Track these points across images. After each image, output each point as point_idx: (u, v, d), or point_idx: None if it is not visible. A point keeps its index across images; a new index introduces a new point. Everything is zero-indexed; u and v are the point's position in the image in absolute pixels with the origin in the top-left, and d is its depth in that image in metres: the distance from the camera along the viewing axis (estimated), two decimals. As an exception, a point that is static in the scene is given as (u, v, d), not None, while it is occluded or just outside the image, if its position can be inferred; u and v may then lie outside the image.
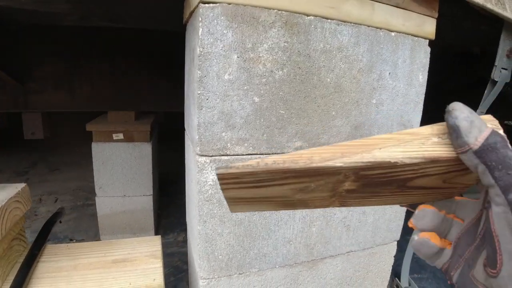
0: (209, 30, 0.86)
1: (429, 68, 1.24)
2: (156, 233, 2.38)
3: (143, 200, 2.26)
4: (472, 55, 2.30)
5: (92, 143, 2.10)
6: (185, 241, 2.38)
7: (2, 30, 2.09)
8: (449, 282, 0.33)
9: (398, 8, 1.13)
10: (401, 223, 1.38)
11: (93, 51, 2.36)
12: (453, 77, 3.06)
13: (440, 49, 1.26)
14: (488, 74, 1.62)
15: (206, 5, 0.85)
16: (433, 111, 1.35)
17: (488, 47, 1.68)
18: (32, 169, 3.54)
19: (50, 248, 1.20)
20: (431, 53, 1.23)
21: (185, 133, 1.30)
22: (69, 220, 2.53)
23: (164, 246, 1.12)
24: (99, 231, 2.26)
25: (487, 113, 1.62)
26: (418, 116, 1.27)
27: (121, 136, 2.08)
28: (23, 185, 1.12)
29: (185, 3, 1.18)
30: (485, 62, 2.12)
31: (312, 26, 0.97)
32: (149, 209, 2.30)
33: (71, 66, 2.37)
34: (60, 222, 1.75)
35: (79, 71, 2.38)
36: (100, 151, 2.11)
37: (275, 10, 0.92)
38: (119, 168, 2.16)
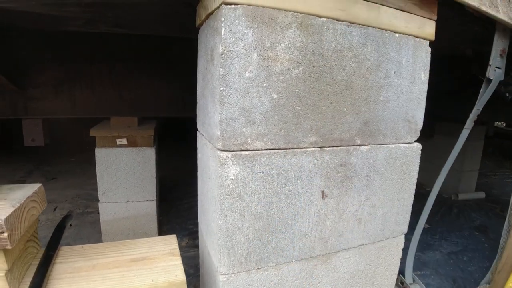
0: (231, 30, 0.90)
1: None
2: (160, 239, 2.37)
3: (146, 205, 2.27)
4: (465, 56, 2.40)
5: (96, 148, 2.10)
6: (189, 246, 2.39)
7: (2, 35, 2.09)
8: None
9: (401, 11, 1.19)
10: (408, 216, 1.43)
11: (93, 57, 2.37)
12: (446, 78, 3.16)
13: (435, 50, 1.32)
14: (481, 74, 1.70)
15: (228, 6, 0.89)
16: (427, 111, 1.42)
17: (481, 48, 1.76)
18: (28, 179, 3.51)
19: (65, 250, 1.21)
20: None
21: (198, 133, 1.33)
22: (70, 228, 2.51)
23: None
24: (102, 237, 2.25)
25: (482, 111, 1.69)
26: (421, 112, 1.33)
27: (124, 141, 2.10)
28: (39, 185, 1.13)
29: (199, 7, 1.22)
30: (477, 63, 2.21)
31: (325, 27, 1.03)
32: (153, 214, 2.30)
33: (71, 72, 2.38)
34: (71, 225, 1.75)
35: (80, 77, 2.38)
36: (103, 157, 2.12)
37: (291, 12, 0.97)
38: (123, 173, 2.16)
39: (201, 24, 1.21)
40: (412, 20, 1.22)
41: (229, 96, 0.93)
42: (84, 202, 2.98)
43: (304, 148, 1.08)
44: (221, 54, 0.91)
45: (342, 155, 1.16)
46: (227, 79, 0.92)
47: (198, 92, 1.32)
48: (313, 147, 1.10)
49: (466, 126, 1.75)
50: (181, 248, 2.38)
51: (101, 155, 2.12)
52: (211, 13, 1.02)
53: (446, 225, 3.06)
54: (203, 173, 1.28)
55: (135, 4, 1.45)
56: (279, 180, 1.06)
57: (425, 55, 1.28)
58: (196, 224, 2.64)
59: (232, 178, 0.99)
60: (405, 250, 1.84)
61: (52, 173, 3.68)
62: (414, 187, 1.41)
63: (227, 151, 0.97)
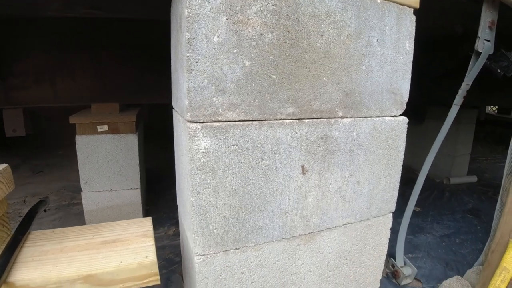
0: (196, -10, 0.83)
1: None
2: (146, 228, 2.32)
3: (130, 193, 2.20)
4: (454, 35, 2.34)
5: (76, 136, 2.03)
6: (175, 234, 2.34)
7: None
8: None
9: (383, -25, 1.13)
10: (396, 193, 1.38)
11: (74, 44, 2.29)
12: (435, 60, 3.11)
13: (422, 31, 1.26)
14: (470, 50, 1.65)
15: (192, -36, 0.83)
16: (416, 98, 1.36)
17: (471, 24, 1.70)
18: (14, 173, 3.39)
19: (35, 234, 1.15)
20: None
21: (173, 111, 1.26)
22: (55, 220, 2.45)
23: (155, 240, 1.09)
24: (86, 228, 2.19)
25: (474, 94, 1.64)
26: (406, 84, 1.27)
27: (105, 127, 2.03)
28: (4, 165, 1.07)
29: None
30: (468, 41, 2.15)
31: (300, -12, 0.96)
32: (138, 202, 2.24)
33: (52, 60, 2.30)
34: (45, 211, 1.68)
35: (61, 65, 2.30)
36: (84, 144, 2.05)
37: (262, -28, 0.90)
38: (105, 161, 2.10)
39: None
40: (395, -14, 1.16)
41: (197, 62, 0.87)
42: (70, 194, 2.91)
43: (281, 119, 1.02)
44: (187, 17, 0.84)
45: (322, 128, 1.10)
46: (194, 44, 0.86)
47: (171, 67, 1.25)
48: (291, 119, 1.04)
49: (455, 102, 1.70)
50: (167, 236, 2.34)
51: (82, 143, 2.05)
52: (178, -24, 0.96)
53: (438, 208, 3.02)
54: (177, 150, 1.22)
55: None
56: (254, 153, 1.00)
57: (409, 23, 1.22)
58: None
59: (203, 152, 0.93)
60: (396, 232, 1.80)
61: (40, 166, 3.59)
62: (401, 163, 1.36)
63: (196, 122, 0.91)
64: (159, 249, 2.11)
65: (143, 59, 2.38)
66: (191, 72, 0.87)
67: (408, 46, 1.24)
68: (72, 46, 2.28)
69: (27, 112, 2.56)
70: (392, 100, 1.24)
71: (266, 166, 1.03)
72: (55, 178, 3.29)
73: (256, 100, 0.97)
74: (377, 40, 1.14)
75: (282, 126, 1.02)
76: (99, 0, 1.77)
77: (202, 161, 0.94)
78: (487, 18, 1.55)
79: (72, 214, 2.53)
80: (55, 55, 2.28)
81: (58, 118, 3.62)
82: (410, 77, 1.27)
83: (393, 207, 1.40)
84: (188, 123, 0.91)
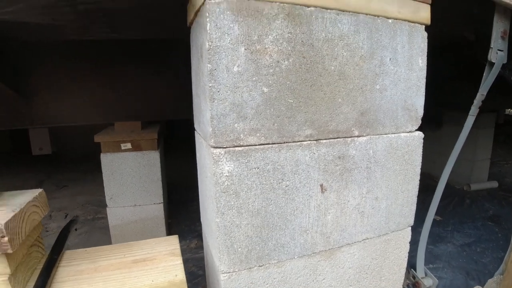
0: (216, 25, 0.89)
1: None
2: (168, 241, 2.39)
3: (154, 208, 2.28)
4: (467, 41, 2.34)
5: (101, 154, 2.12)
6: (198, 247, 2.39)
7: (3, 46, 2.14)
8: None
9: (393, -4, 1.16)
10: (414, 207, 1.40)
11: (94, 63, 2.39)
12: (449, 65, 3.09)
13: (433, 37, 1.29)
14: (484, 59, 1.66)
15: (212, 1, 0.88)
16: (431, 103, 1.38)
17: (483, 30, 1.71)
18: (39, 187, 3.53)
19: (68, 254, 1.22)
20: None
21: (196, 132, 1.32)
22: (80, 234, 2.54)
23: (178, 253, 1.15)
24: (112, 241, 2.27)
25: (487, 95, 1.65)
26: (421, 99, 1.30)
27: (129, 145, 2.11)
28: (39, 190, 1.15)
29: (188, 6, 1.21)
30: (480, 47, 2.15)
31: (313, 16, 1.01)
32: (160, 216, 2.31)
33: (74, 79, 2.41)
34: (76, 229, 1.77)
35: (83, 84, 2.41)
36: (109, 162, 2.14)
37: (277, 3, 0.95)
38: (129, 177, 2.18)
39: (191, 23, 1.20)
40: (406, 5, 1.19)
41: (219, 92, 0.92)
42: (94, 208, 3.02)
43: (300, 141, 1.07)
44: (208, 50, 0.90)
45: (339, 147, 1.14)
46: (216, 74, 0.91)
47: (193, 92, 1.31)
48: (309, 140, 1.08)
49: (470, 112, 1.70)
50: (190, 249, 2.40)
51: (107, 160, 2.14)
52: (198, 10, 1.02)
53: (459, 216, 2.99)
54: (201, 172, 1.27)
55: (127, 9, 1.46)
56: (275, 175, 1.05)
57: (421, 40, 1.25)
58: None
59: (226, 175, 0.98)
60: (416, 243, 1.80)
61: (63, 181, 3.73)
62: (418, 177, 1.38)
63: (220, 147, 0.96)
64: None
65: (162, 76, 2.46)
66: (213, 101, 0.92)
67: (421, 62, 1.27)
68: (94, 66, 2.38)
69: (51, 129, 2.68)
70: (407, 116, 1.27)
71: (286, 186, 1.08)
72: (79, 192, 3.41)
73: (275, 124, 1.02)
74: (390, 59, 1.18)
75: (300, 147, 1.07)
76: (116, 24, 1.86)
77: (226, 184, 0.99)
78: (499, 28, 1.56)
79: (97, 228, 2.63)
80: (77, 75, 2.39)
81: (80, 133, 3.75)
82: (424, 93, 1.30)
83: (411, 221, 1.42)
84: (212, 149, 0.96)
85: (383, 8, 1.13)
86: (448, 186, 1.79)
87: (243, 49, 0.93)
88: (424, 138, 1.33)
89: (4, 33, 1.87)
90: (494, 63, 1.57)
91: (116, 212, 2.23)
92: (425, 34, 1.25)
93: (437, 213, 2.22)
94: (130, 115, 2.34)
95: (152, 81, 2.41)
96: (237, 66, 0.93)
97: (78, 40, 2.23)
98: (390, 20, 1.15)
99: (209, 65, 0.90)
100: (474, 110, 1.71)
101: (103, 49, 2.38)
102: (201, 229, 2.64)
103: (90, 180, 3.58)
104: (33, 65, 2.35)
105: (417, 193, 1.39)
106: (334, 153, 1.13)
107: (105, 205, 2.25)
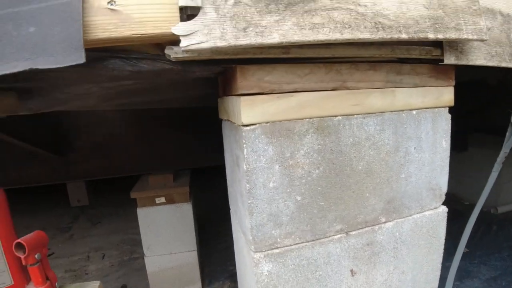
0: (252, 149, 0.99)
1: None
2: (203, 285, 2.52)
3: (188, 255, 2.41)
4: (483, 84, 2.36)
5: (137, 209, 2.27)
6: (230, 290, 2.50)
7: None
8: None
9: (417, 88, 1.22)
10: (438, 273, 1.45)
11: (125, 119, 2.55)
12: (470, 97, 3.08)
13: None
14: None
15: (247, 127, 0.98)
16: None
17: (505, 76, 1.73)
18: (75, 224, 3.76)
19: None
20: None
21: (232, 215, 1.43)
22: (120, 277, 2.69)
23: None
24: (150, 287, 2.41)
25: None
26: (445, 177, 1.35)
27: (163, 199, 2.25)
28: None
29: (220, 102, 1.32)
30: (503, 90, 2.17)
31: (341, 125, 1.09)
32: (195, 263, 2.44)
33: (106, 135, 2.57)
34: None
35: (114, 139, 2.57)
36: (145, 215, 2.28)
37: (307, 119, 1.04)
38: (164, 228, 2.31)
39: (223, 119, 1.31)
40: (429, 93, 1.25)
41: (257, 206, 1.02)
42: (129, 248, 3.17)
43: (331, 236, 1.15)
44: (246, 172, 1.00)
45: (367, 236, 1.21)
46: (254, 192, 1.01)
47: (228, 180, 1.42)
48: (339, 234, 1.16)
49: (494, 169, 1.74)
50: (223, 292, 2.50)
51: (143, 214, 2.28)
52: (233, 122, 1.12)
53: (486, 246, 2.98)
54: (242, 266, 1.36)
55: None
56: (309, 268, 1.14)
57: (445, 123, 1.30)
58: (235, 266, 2.73)
59: (266, 274, 1.08)
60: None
61: (97, 216, 3.91)
62: (443, 246, 1.43)
63: (259, 252, 1.06)
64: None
65: (187, 129, 2.59)
66: (252, 215, 1.02)
67: (445, 144, 1.32)
68: (124, 123, 2.53)
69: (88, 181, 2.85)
70: (431, 195, 1.33)
71: (319, 276, 1.16)
72: (113, 229, 3.57)
73: (308, 226, 1.10)
74: (415, 148, 1.24)
75: (331, 242, 1.15)
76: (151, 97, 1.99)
77: (266, 281, 1.08)
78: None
79: (134, 270, 2.78)
80: (109, 131, 2.55)
81: (112, 182, 3.89)
82: (448, 170, 1.35)
83: (435, 285, 1.47)
84: (252, 253, 1.06)
85: (407, 102, 1.19)
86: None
87: (277, 166, 1.02)
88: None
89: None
90: (516, 125, 1.61)
91: (154, 261, 2.37)
92: (449, 116, 1.30)
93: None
94: (159, 165, 2.48)
95: (180, 136, 2.54)
96: (273, 182, 1.03)
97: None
98: (414, 112, 1.22)
99: (247, 185, 1.00)
100: (497, 167, 1.74)
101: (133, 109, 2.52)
102: (232, 270, 2.76)
103: (122, 216, 3.74)
104: (70, 127, 2.53)
105: (441, 260, 1.44)
106: (363, 241, 1.21)
107: (139, 244, 2.38)
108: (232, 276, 2.63)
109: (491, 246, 2.99)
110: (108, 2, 0.76)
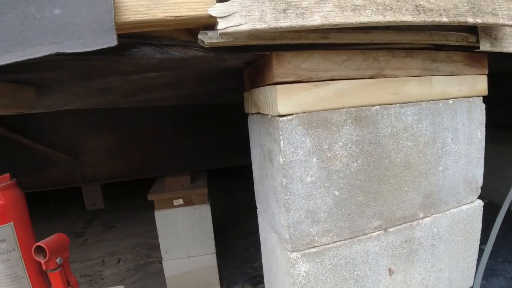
0: (289, 141, 0.94)
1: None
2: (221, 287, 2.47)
3: (206, 258, 2.36)
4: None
5: (155, 211, 2.22)
6: (250, 293, 2.44)
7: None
8: None
9: (453, 76, 1.17)
10: (473, 270, 1.39)
11: (140, 121, 2.51)
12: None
13: None
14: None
15: (284, 118, 0.93)
16: None
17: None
18: (88, 229, 3.72)
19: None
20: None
21: (259, 214, 1.37)
22: (136, 282, 2.64)
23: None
24: (167, 291, 2.37)
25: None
26: (480, 169, 1.29)
27: (181, 201, 2.20)
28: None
29: (246, 96, 1.27)
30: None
31: (379, 115, 1.04)
32: (213, 265, 2.39)
33: (121, 136, 2.53)
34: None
35: (129, 141, 2.53)
36: (162, 218, 2.23)
37: (345, 109, 0.99)
38: (182, 231, 2.27)
39: (251, 113, 1.26)
40: (465, 82, 1.20)
41: (294, 202, 0.97)
42: (144, 252, 3.12)
43: (369, 233, 1.10)
44: (283, 165, 0.94)
45: (406, 232, 1.16)
46: (290, 187, 0.96)
47: (255, 177, 1.36)
48: (378, 231, 1.11)
49: (503, 207, 1.71)
50: (243, 296, 2.44)
51: (160, 217, 2.24)
52: (265, 115, 1.07)
53: (509, 244, 2.89)
54: (275, 266, 1.30)
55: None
56: (347, 268, 1.08)
57: (480, 113, 1.25)
58: (255, 269, 2.69)
59: (303, 275, 1.02)
60: None
61: (110, 221, 3.87)
62: (478, 242, 1.37)
63: (296, 251, 1.01)
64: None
65: (203, 129, 2.55)
66: (289, 212, 0.97)
67: (480, 134, 1.27)
68: (139, 123, 2.49)
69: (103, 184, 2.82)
70: (468, 189, 1.27)
71: (357, 275, 1.10)
72: (127, 233, 3.53)
73: (346, 222, 1.05)
74: (451, 139, 1.19)
75: (370, 239, 1.09)
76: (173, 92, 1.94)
77: (302, 282, 1.03)
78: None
79: (150, 274, 2.72)
80: (124, 132, 2.51)
81: (128, 184, 3.86)
82: (483, 162, 1.30)
83: (471, 282, 1.41)
84: (288, 253, 1.01)
85: (444, 90, 1.15)
86: (496, 207, 1.74)
87: (315, 159, 0.97)
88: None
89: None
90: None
91: (172, 264, 2.32)
92: (483, 106, 1.26)
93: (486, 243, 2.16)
94: (175, 167, 2.43)
95: (197, 135, 2.50)
96: (310, 176, 0.97)
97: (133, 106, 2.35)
98: (450, 101, 1.17)
99: (284, 180, 0.95)
100: (506, 204, 1.72)
101: (148, 108, 2.49)
102: (251, 272, 2.70)
103: (136, 220, 3.69)
104: (84, 129, 2.49)
105: (477, 256, 1.38)
106: (401, 238, 1.15)
107: (155, 248, 2.33)
108: (251, 279, 2.57)
109: (514, 243, 2.91)
110: (140, -18, 0.72)
